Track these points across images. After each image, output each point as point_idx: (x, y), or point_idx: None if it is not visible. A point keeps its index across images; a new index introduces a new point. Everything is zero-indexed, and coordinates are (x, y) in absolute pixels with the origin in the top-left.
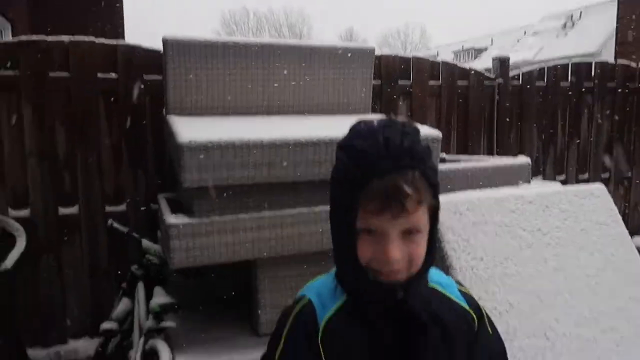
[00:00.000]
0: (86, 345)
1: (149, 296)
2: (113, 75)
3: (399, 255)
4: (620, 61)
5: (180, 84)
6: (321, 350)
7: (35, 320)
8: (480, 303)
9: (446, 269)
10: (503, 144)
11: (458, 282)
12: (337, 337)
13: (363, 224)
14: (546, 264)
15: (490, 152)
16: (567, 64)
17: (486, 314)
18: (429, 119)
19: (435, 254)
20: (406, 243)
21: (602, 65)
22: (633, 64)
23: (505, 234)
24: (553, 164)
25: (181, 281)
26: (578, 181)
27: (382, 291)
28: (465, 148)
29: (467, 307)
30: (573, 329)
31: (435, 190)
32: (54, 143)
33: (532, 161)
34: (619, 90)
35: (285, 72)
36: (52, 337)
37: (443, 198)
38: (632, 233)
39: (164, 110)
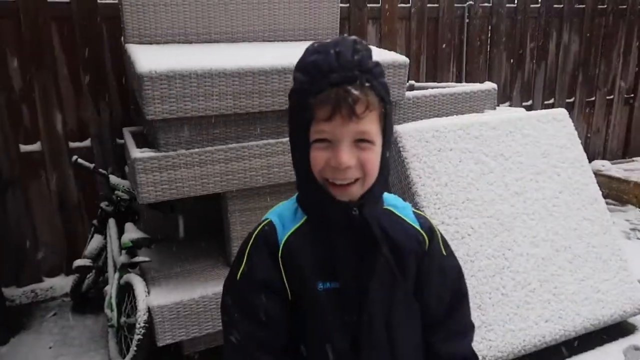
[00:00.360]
0: (62, 282)
1: (120, 232)
2: None
3: (350, 159)
4: None
5: (138, 8)
6: (281, 266)
7: (8, 260)
8: (443, 228)
9: (412, 196)
10: (472, 70)
11: (417, 207)
12: (295, 254)
13: (316, 133)
14: (507, 188)
15: (459, 79)
16: None
17: (440, 235)
18: (398, 44)
19: (389, 172)
20: (358, 151)
21: None
22: None
23: (468, 160)
24: (520, 90)
25: (153, 216)
26: (544, 107)
27: (337, 207)
28: (434, 75)
29: (419, 228)
30: (530, 249)
31: (384, 105)
32: (7, 74)
33: (500, 87)
34: (589, 11)
35: None
36: (26, 276)
37: (410, 126)
38: (592, 157)
39: (122, 38)
